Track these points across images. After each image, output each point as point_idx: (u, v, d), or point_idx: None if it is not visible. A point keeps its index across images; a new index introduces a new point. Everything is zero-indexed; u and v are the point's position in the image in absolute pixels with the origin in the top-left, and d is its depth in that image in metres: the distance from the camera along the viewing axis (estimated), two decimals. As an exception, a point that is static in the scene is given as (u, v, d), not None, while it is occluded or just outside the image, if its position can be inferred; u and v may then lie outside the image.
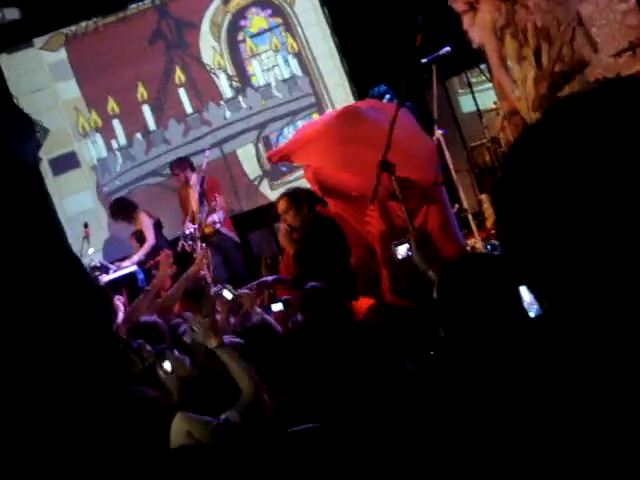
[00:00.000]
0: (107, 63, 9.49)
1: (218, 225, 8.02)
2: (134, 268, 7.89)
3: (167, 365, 3.35)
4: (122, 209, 8.32)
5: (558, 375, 0.83)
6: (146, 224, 8.20)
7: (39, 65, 9.53)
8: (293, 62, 9.88)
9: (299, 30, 9.89)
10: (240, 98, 9.79)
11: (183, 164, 8.33)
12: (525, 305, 1.72)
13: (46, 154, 9.46)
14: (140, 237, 8.25)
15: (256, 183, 9.71)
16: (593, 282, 0.73)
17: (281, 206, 5.78)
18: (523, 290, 1.70)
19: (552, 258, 0.75)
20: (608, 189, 0.71)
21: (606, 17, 8.04)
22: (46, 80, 9.54)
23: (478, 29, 4.20)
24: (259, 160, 9.68)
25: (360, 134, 5.21)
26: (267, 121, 9.73)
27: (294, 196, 5.78)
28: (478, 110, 8.03)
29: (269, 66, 9.88)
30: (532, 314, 1.68)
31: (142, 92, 9.66)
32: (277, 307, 4.91)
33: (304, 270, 5.59)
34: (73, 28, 9.57)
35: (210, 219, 7.95)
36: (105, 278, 7.79)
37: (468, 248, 6.45)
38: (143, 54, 9.64)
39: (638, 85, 0.76)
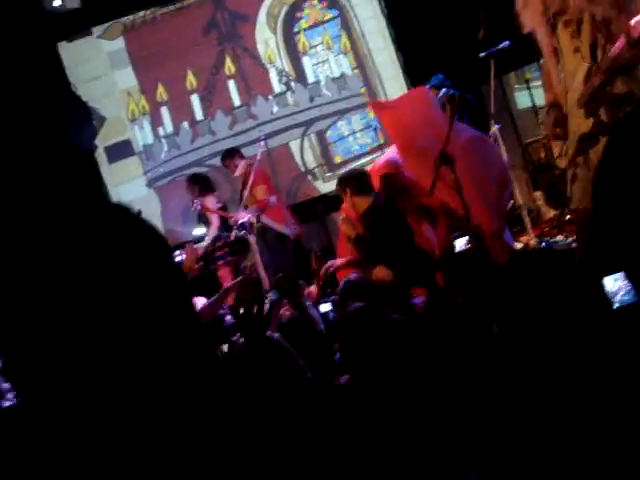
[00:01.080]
0: (161, 52, 9.59)
1: (245, 219, 7.91)
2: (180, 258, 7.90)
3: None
4: (200, 182, 8.30)
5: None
6: (212, 207, 8.19)
7: (97, 53, 9.66)
8: (344, 61, 9.85)
9: (355, 22, 9.87)
10: (288, 94, 9.80)
11: (232, 154, 8.35)
12: (609, 296, 1.70)
13: (102, 142, 9.59)
14: (203, 219, 8.30)
15: (309, 176, 9.71)
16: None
17: (338, 191, 5.78)
18: (606, 281, 1.67)
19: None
20: None
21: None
22: (103, 68, 9.67)
23: (530, 13, 4.04)
24: (304, 155, 9.70)
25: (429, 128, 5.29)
26: (313, 119, 9.74)
27: (345, 180, 5.71)
28: (534, 106, 7.96)
29: (320, 61, 9.87)
30: (616, 305, 1.65)
31: (191, 81, 9.72)
32: (325, 307, 4.92)
33: (364, 254, 5.57)
34: (131, 17, 9.69)
35: (239, 217, 7.92)
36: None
37: (521, 245, 6.40)
38: (196, 44, 9.70)
39: None
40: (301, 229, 8.48)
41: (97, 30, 9.65)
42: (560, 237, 6.15)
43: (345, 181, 5.68)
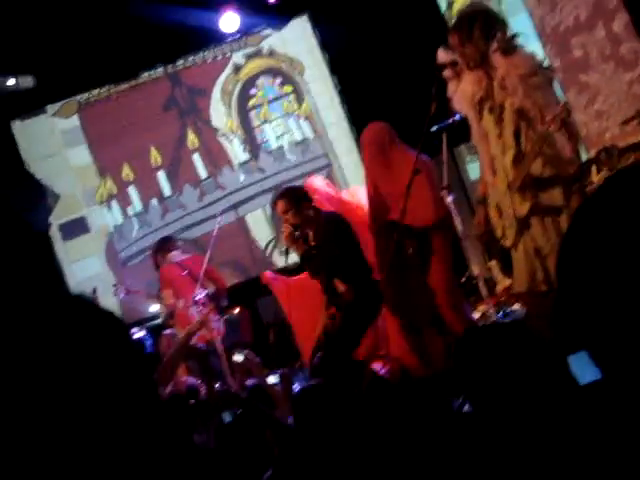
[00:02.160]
0: (121, 130, 9.63)
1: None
2: (142, 334, 7.83)
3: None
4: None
5: (612, 441, 0.81)
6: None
7: (51, 132, 9.65)
8: (305, 125, 10.00)
9: (308, 98, 10.03)
10: (253, 162, 9.88)
11: (156, 250, 7.87)
12: (573, 373, 1.70)
13: (56, 219, 9.52)
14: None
15: (268, 249, 9.71)
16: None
17: (280, 207, 5.59)
18: (571, 358, 1.68)
19: (616, 325, 0.74)
20: None
21: (612, 86, 8.16)
22: (57, 146, 9.65)
23: (459, 98, 4.28)
24: (270, 224, 9.72)
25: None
26: (281, 183, 9.80)
27: (292, 195, 5.65)
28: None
29: (281, 132, 10.00)
30: (582, 381, 1.65)
31: (156, 157, 9.76)
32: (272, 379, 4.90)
33: (313, 270, 5.51)
34: (86, 95, 9.72)
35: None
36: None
37: (478, 314, 6.43)
38: (156, 120, 9.77)
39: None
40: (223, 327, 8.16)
41: (51, 108, 9.66)
42: (517, 306, 6.18)
43: (293, 195, 5.64)
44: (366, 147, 5.64)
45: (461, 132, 5.95)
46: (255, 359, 5.00)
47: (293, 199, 5.56)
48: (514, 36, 4.35)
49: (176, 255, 7.65)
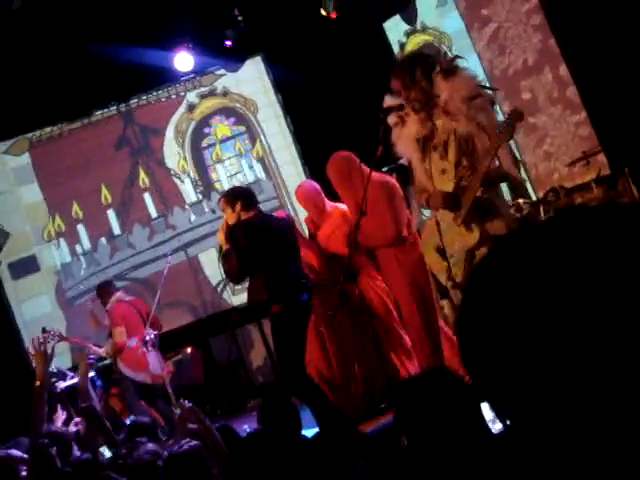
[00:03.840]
0: (71, 168, 9.56)
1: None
2: (91, 374, 7.72)
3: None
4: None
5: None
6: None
7: (2, 169, 9.55)
8: (257, 166, 10.04)
9: (262, 138, 10.08)
10: (204, 202, 9.88)
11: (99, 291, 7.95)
12: (488, 422, 1.73)
13: (6, 258, 9.38)
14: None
15: (219, 288, 9.66)
16: (550, 407, 0.74)
17: (221, 205, 5.88)
18: (485, 407, 1.71)
19: (512, 381, 0.76)
20: (561, 320, 0.74)
21: (559, 128, 8.34)
22: (8, 184, 9.55)
23: (403, 141, 4.35)
24: (215, 267, 9.69)
25: None
26: None
27: (230, 194, 5.85)
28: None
29: (233, 172, 10.03)
30: (495, 430, 1.68)
31: (106, 196, 9.70)
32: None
33: (227, 266, 5.64)
34: (37, 133, 9.66)
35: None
36: (62, 385, 7.63)
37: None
38: (108, 159, 9.72)
39: (589, 215, 0.79)
40: (173, 367, 8.15)
41: (1, 145, 9.57)
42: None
43: (233, 195, 5.76)
44: (331, 177, 5.70)
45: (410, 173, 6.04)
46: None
47: (229, 199, 5.73)
48: (455, 58, 4.43)
49: (123, 295, 7.68)
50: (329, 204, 6.02)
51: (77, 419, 5.73)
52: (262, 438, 2.90)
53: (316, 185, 6.16)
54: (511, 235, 0.82)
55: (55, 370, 7.85)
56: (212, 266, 9.68)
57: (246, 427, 5.64)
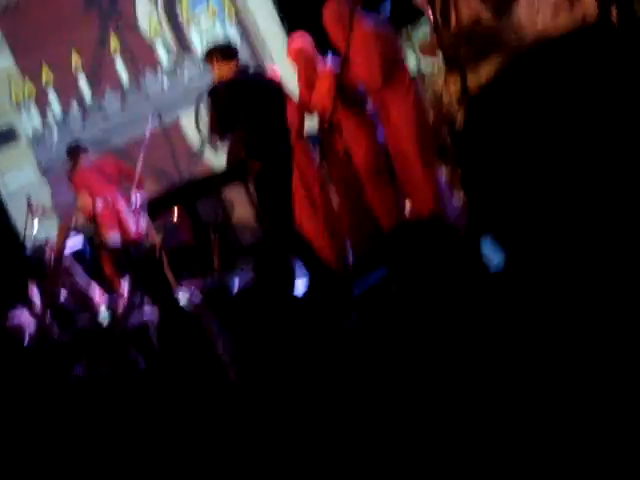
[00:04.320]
0: (40, 32, 9.25)
1: None
2: (79, 240, 7.72)
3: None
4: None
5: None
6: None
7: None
8: (231, 30, 9.72)
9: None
10: (178, 67, 9.63)
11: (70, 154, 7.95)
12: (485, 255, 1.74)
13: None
14: None
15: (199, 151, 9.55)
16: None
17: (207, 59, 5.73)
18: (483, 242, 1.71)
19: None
20: None
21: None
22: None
23: None
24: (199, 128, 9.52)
25: None
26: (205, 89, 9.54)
27: (208, 51, 5.73)
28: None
29: (208, 31, 9.71)
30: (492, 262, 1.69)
31: (76, 60, 9.42)
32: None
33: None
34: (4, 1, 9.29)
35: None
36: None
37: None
38: (76, 21, 9.40)
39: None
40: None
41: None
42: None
43: (212, 52, 5.64)
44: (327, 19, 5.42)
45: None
46: None
47: (209, 55, 5.63)
48: None
49: (85, 159, 7.58)
50: (321, 63, 5.81)
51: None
52: (255, 293, 2.93)
53: (310, 39, 5.89)
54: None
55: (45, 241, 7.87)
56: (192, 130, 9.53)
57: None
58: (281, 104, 5.65)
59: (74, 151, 7.78)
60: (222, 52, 5.60)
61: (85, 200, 7.35)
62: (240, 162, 5.58)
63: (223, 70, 5.55)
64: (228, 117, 5.46)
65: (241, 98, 5.46)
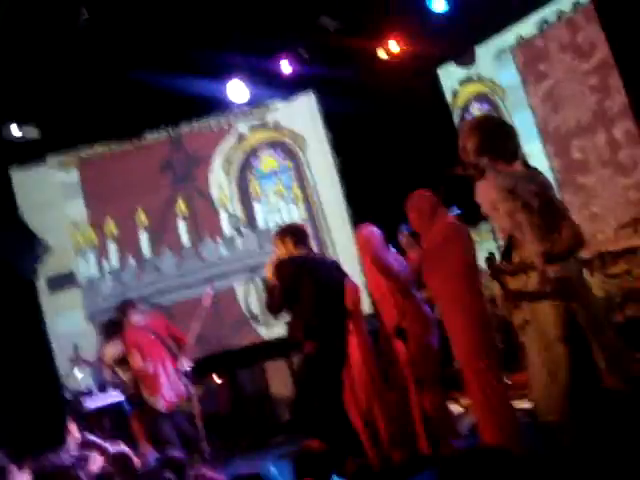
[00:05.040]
0: (115, 187, 9.60)
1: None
2: (122, 398, 7.68)
3: None
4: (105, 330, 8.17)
5: None
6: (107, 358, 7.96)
7: (50, 182, 9.61)
8: (294, 210, 10.02)
9: (308, 174, 10.09)
10: (238, 238, 9.86)
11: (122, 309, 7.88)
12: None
13: (46, 271, 9.43)
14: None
15: (250, 321, 9.59)
16: None
17: (273, 240, 5.99)
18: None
19: None
20: None
21: (608, 190, 8.27)
22: (55, 198, 9.59)
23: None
24: (249, 300, 9.64)
25: None
26: (261, 265, 9.58)
27: (282, 230, 5.95)
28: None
29: (272, 209, 10.01)
30: None
31: (141, 218, 9.71)
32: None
33: (270, 299, 5.67)
34: (88, 150, 9.74)
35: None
36: (90, 405, 7.61)
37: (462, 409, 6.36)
38: (150, 182, 9.75)
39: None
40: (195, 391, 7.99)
41: (52, 159, 9.67)
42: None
43: (286, 231, 5.83)
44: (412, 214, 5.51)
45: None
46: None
47: (280, 233, 5.85)
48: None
49: (139, 319, 7.57)
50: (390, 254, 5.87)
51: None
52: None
53: (377, 230, 5.97)
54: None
55: (85, 389, 7.85)
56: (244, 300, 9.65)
57: (272, 468, 5.58)
58: (341, 286, 5.72)
59: (125, 306, 7.74)
60: (295, 233, 5.78)
61: (135, 359, 7.30)
62: (297, 342, 5.60)
63: (290, 249, 5.69)
64: (290, 291, 5.53)
65: (306, 272, 5.55)
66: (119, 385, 7.79)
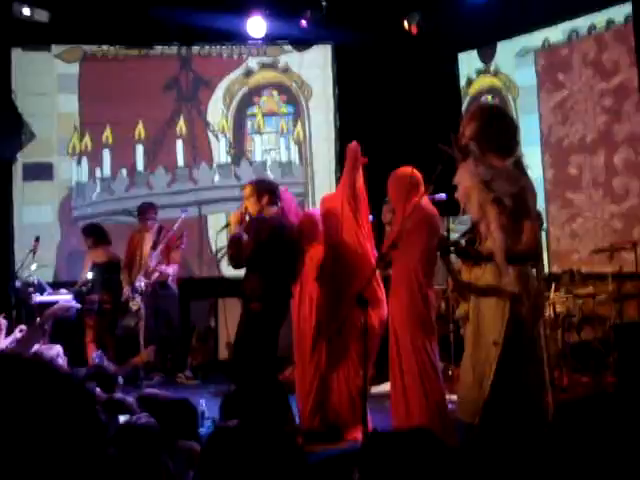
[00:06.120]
0: (115, 93, 9.46)
1: (170, 279, 8.02)
2: (70, 298, 7.68)
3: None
4: (94, 234, 8.37)
5: None
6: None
7: (48, 71, 9.46)
8: (294, 148, 9.95)
9: (305, 125, 9.99)
10: (232, 167, 9.81)
11: (150, 210, 8.32)
12: None
13: (24, 158, 9.32)
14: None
15: (217, 254, 9.55)
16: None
17: (245, 191, 5.86)
18: None
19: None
20: None
21: (594, 212, 8.27)
22: (50, 88, 9.47)
23: (474, 205, 4.10)
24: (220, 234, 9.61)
25: None
26: None
27: (260, 185, 5.86)
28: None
29: (269, 147, 9.95)
30: None
31: (140, 131, 9.61)
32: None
33: (233, 250, 5.66)
34: (94, 47, 9.58)
35: (164, 268, 7.91)
36: (37, 298, 7.58)
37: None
38: (153, 96, 9.62)
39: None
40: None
41: (56, 48, 9.49)
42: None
43: (265, 188, 5.79)
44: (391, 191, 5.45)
45: (441, 210, 5.96)
46: None
47: (258, 189, 5.75)
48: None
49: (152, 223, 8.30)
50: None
51: (21, 326, 5.67)
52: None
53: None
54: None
55: (35, 281, 7.82)
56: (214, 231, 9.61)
57: (202, 402, 5.58)
58: (301, 252, 5.73)
59: (150, 209, 8.39)
60: (273, 192, 5.77)
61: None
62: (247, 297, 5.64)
63: (263, 206, 5.68)
64: (262, 250, 5.53)
65: (281, 237, 5.58)
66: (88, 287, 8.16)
